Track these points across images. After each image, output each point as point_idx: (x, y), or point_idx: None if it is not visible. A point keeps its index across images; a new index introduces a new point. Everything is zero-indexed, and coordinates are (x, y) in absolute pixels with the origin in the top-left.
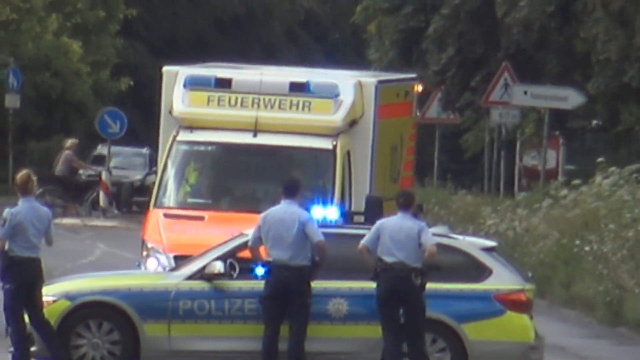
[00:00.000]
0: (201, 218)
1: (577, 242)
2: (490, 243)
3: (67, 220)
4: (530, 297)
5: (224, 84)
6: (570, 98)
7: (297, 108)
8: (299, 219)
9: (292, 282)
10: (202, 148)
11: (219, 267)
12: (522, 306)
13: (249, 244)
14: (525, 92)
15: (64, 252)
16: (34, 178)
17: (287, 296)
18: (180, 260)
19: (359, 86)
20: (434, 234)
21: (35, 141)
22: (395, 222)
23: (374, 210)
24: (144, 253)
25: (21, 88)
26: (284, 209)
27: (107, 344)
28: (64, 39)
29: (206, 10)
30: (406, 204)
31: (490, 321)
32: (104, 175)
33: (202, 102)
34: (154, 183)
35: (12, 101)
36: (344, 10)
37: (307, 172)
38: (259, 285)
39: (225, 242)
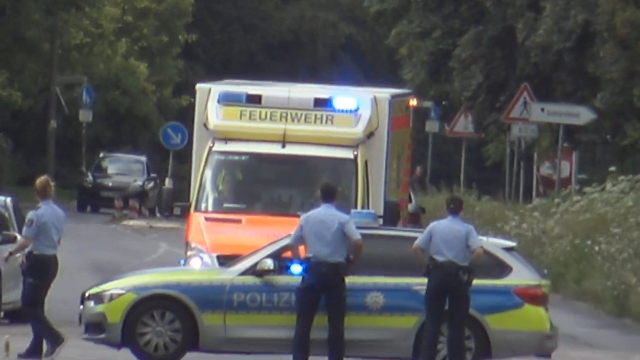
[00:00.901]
0: (239, 221)
1: (588, 242)
2: (510, 243)
3: (134, 222)
4: (546, 292)
5: (254, 99)
6: (582, 115)
7: (321, 121)
8: (339, 220)
9: (329, 276)
10: (236, 158)
11: (269, 264)
12: (538, 300)
13: (290, 242)
14: (542, 110)
15: (132, 250)
16: (52, 183)
17: (324, 289)
18: (222, 259)
19: (375, 101)
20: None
21: (105, 152)
22: (445, 225)
23: (392, 214)
24: (188, 253)
25: (93, 104)
26: (324, 212)
27: (170, 332)
28: (132, 61)
29: (258, 36)
30: (456, 208)
31: (510, 313)
32: (167, 182)
33: (235, 116)
34: (162, 188)
35: (85, 116)
36: (381, 37)
37: (330, 179)
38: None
39: (273, 242)
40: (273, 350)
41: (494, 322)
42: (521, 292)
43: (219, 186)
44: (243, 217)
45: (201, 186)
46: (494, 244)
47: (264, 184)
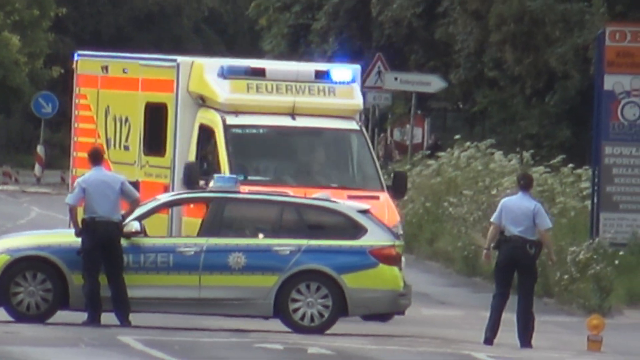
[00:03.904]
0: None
1: (440, 205)
2: (365, 206)
3: (7, 187)
4: (399, 252)
5: (258, 72)
6: (433, 83)
7: (324, 93)
8: (120, 180)
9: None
10: (254, 131)
11: (135, 226)
12: (392, 259)
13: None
14: (396, 78)
15: (5, 214)
16: None
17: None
18: None
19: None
20: (315, 198)
21: None
22: (515, 201)
23: (400, 183)
24: None
25: None
26: (103, 173)
27: (41, 291)
28: (5, 34)
29: (125, 9)
30: (526, 185)
31: (366, 272)
32: (39, 149)
33: (242, 89)
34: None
35: None
36: (242, 9)
37: (339, 150)
38: (171, 241)
39: (141, 206)
40: (139, 309)
41: (350, 281)
42: (376, 252)
43: (240, 159)
44: (287, 190)
45: (221, 159)
46: (349, 206)
47: (281, 156)
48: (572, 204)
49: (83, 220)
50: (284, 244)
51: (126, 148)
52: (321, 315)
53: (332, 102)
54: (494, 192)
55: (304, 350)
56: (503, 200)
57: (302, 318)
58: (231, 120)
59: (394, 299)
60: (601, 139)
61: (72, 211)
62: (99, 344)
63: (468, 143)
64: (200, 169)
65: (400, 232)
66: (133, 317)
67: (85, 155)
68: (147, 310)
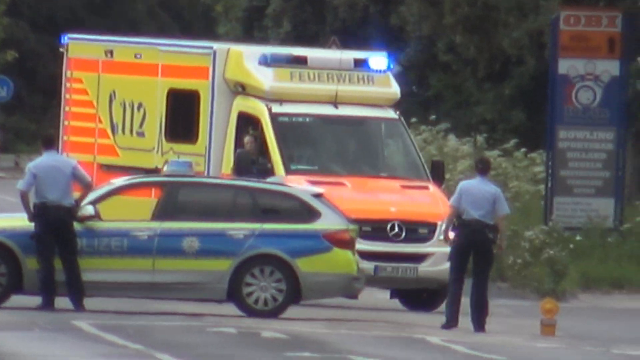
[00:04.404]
0: (342, 184)
1: None
2: (319, 190)
3: None
4: (353, 236)
5: (300, 60)
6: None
7: (364, 82)
8: (71, 165)
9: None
10: (300, 120)
11: (90, 210)
12: (346, 243)
13: (22, 188)
14: None
15: None
16: None
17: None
18: (360, 223)
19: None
20: (270, 182)
21: None
22: (475, 185)
23: (439, 172)
24: None
25: None
26: (53, 158)
27: None
28: None
29: None
30: (485, 169)
31: (320, 256)
32: None
33: (286, 78)
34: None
35: None
36: None
37: (379, 139)
38: (125, 225)
39: (95, 190)
40: (93, 293)
41: (304, 265)
42: (330, 236)
43: (286, 148)
44: (344, 180)
45: (270, 148)
46: (303, 190)
47: (326, 145)
48: (525, 188)
49: (34, 205)
50: (238, 228)
51: (140, 134)
52: (275, 299)
53: (371, 91)
54: (447, 176)
55: (258, 334)
56: (462, 184)
57: (256, 302)
58: (277, 108)
59: (347, 283)
60: (555, 123)
61: (24, 197)
62: (53, 328)
63: (423, 127)
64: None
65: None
66: (87, 302)
67: (79, 139)
68: (101, 294)
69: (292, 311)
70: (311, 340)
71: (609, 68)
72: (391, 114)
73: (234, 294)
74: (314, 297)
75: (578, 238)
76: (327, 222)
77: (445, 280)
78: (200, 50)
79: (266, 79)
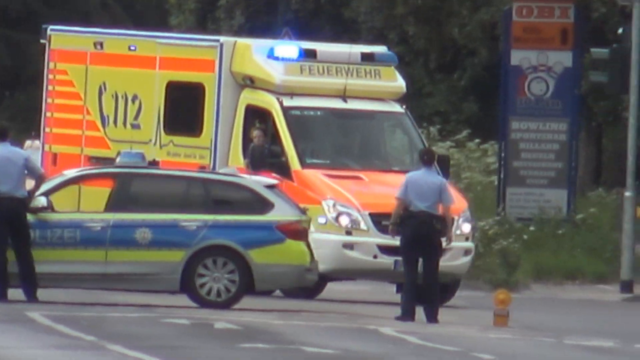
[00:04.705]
0: (360, 178)
1: None
2: (272, 181)
3: None
4: (306, 227)
5: (309, 54)
6: None
7: (371, 76)
8: (23, 156)
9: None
10: (311, 113)
11: (42, 201)
12: (299, 235)
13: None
14: None
15: None
16: None
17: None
18: (375, 217)
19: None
20: (223, 173)
21: None
22: (420, 176)
23: (446, 166)
24: (327, 208)
25: None
26: (7, 149)
27: None
28: None
29: None
30: (430, 160)
31: (273, 247)
32: None
33: (297, 71)
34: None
35: None
36: None
37: (386, 133)
38: (77, 217)
39: (48, 181)
40: (46, 285)
41: (257, 256)
42: (283, 227)
43: (300, 142)
44: (361, 174)
45: (284, 142)
46: (256, 181)
47: (337, 138)
48: (478, 178)
49: None
50: (191, 219)
51: (135, 126)
52: (228, 290)
53: (378, 85)
54: None
55: (211, 325)
56: (408, 176)
57: (209, 293)
58: (288, 102)
59: (300, 274)
60: (508, 114)
61: None
62: (6, 319)
63: None
64: (245, 150)
65: (469, 217)
66: (40, 293)
67: (64, 131)
68: (54, 285)
69: (245, 302)
70: (264, 331)
71: (562, 59)
72: (398, 107)
73: (187, 285)
74: (267, 288)
75: (531, 229)
76: (280, 213)
77: (461, 274)
78: (205, 43)
79: (277, 72)
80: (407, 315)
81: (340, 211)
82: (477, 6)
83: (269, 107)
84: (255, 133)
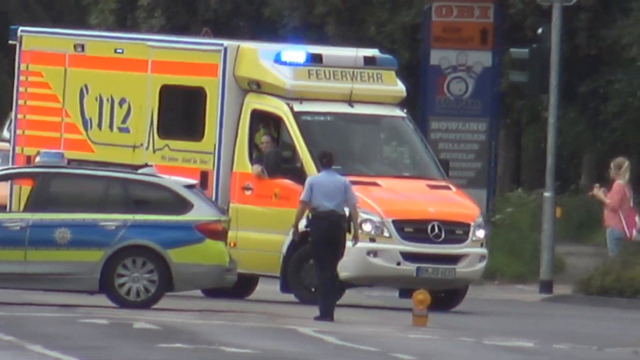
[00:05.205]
0: (377, 184)
1: None
2: (191, 181)
3: None
4: (225, 227)
5: (316, 59)
6: None
7: (374, 80)
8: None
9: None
10: (321, 118)
11: None
12: (218, 235)
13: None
14: None
15: None
16: None
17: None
18: (399, 224)
19: None
20: (142, 173)
21: None
22: (324, 178)
23: (445, 171)
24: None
25: None
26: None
27: None
28: None
29: None
30: (329, 162)
31: (192, 247)
32: None
33: (305, 76)
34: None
35: None
36: None
37: (399, 138)
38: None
39: None
40: None
41: (176, 256)
42: (202, 227)
43: (313, 148)
44: (378, 180)
45: (300, 148)
46: (175, 181)
47: (349, 143)
48: None
49: None
50: (110, 219)
51: (123, 130)
52: (147, 290)
53: (381, 89)
54: None
55: (130, 325)
56: (310, 179)
57: (128, 293)
58: (298, 107)
59: (219, 274)
60: (427, 114)
61: None
62: None
63: None
64: (251, 155)
65: (482, 224)
66: None
67: (38, 133)
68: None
69: (164, 302)
70: (183, 331)
71: (481, 59)
72: (400, 112)
73: (106, 285)
74: (186, 288)
75: None
76: (199, 213)
77: (476, 279)
78: (207, 47)
79: (286, 77)
80: (326, 315)
81: (364, 218)
82: (398, 8)
83: (279, 112)
84: (264, 139)
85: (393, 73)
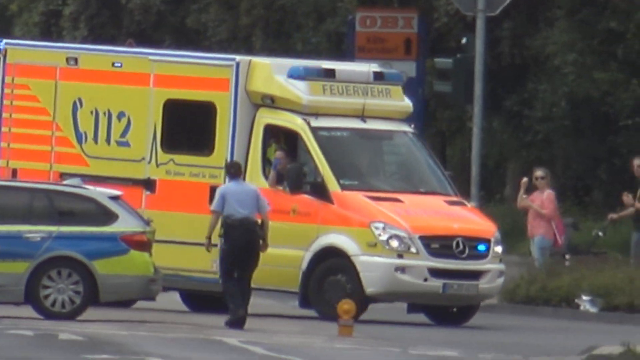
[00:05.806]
0: (399, 200)
1: None
2: (116, 192)
3: None
4: (150, 238)
5: (329, 74)
6: None
7: (383, 95)
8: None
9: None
10: (338, 134)
11: None
12: (143, 246)
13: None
14: None
15: None
16: None
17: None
18: (426, 240)
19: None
20: (66, 185)
21: None
22: (236, 186)
23: (454, 182)
24: (376, 231)
25: None
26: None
27: None
28: None
29: None
30: (237, 172)
31: (117, 258)
32: None
33: (319, 91)
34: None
35: None
36: None
37: (402, 153)
38: None
39: None
40: None
41: (101, 267)
42: (127, 238)
43: (332, 162)
44: (400, 196)
45: (319, 163)
46: (100, 192)
47: (365, 159)
48: None
49: None
50: (35, 231)
51: (123, 144)
52: (72, 301)
53: (391, 104)
54: None
55: (55, 336)
56: (221, 189)
57: (53, 304)
58: (314, 122)
59: (145, 284)
60: None
61: None
62: None
63: None
64: (264, 169)
65: (500, 240)
66: None
67: (26, 147)
68: None
69: (89, 313)
70: (109, 342)
71: (406, 69)
72: (408, 127)
73: (31, 296)
74: (111, 299)
75: None
76: (124, 225)
77: (495, 295)
78: (218, 62)
79: (302, 92)
80: (237, 323)
81: (391, 234)
82: (323, 17)
83: (295, 127)
84: (278, 154)
85: (400, 88)
